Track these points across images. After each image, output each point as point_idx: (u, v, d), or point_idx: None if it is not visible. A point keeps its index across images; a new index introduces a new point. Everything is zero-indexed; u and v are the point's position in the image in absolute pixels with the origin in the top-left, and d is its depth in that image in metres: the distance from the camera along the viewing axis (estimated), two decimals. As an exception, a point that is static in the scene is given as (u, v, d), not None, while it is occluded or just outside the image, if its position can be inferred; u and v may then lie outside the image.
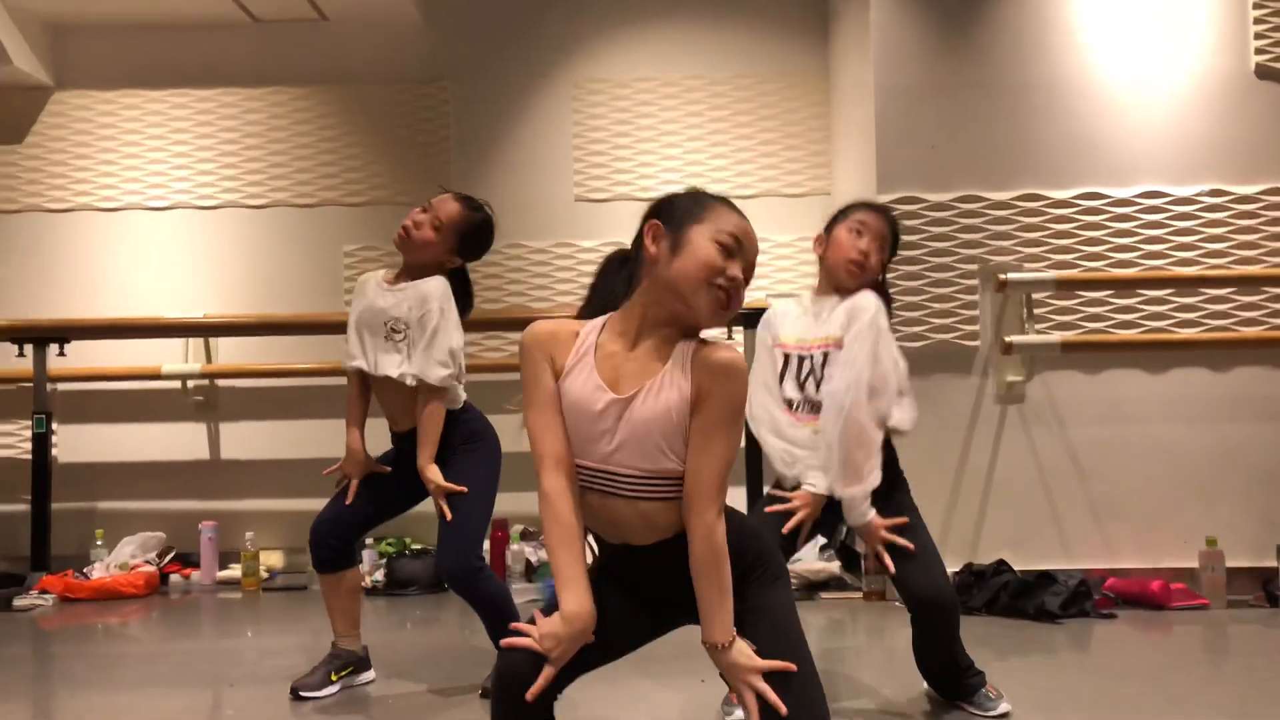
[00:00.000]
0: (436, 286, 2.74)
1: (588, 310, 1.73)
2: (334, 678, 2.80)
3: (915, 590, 2.41)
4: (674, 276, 1.60)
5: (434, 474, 2.68)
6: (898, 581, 2.45)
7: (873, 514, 2.42)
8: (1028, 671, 3.00)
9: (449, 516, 2.65)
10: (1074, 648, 3.34)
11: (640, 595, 1.68)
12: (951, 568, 3.79)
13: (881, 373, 2.43)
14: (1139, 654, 3.28)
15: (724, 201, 1.70)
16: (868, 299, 2.48)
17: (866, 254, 2.53)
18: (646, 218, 1.68)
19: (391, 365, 2.74)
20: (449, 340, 2.71)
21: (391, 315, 2.75)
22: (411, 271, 2.82)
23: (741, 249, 1.63)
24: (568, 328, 1.67)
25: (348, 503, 2.81)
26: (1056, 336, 4.06)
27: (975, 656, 2.59)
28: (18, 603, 4.23)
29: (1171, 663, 3.18)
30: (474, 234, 2.80)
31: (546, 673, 1.53)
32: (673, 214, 1.66)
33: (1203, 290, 4.12)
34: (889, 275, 2.71)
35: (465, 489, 2.66)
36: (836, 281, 2.56)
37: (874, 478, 2.42)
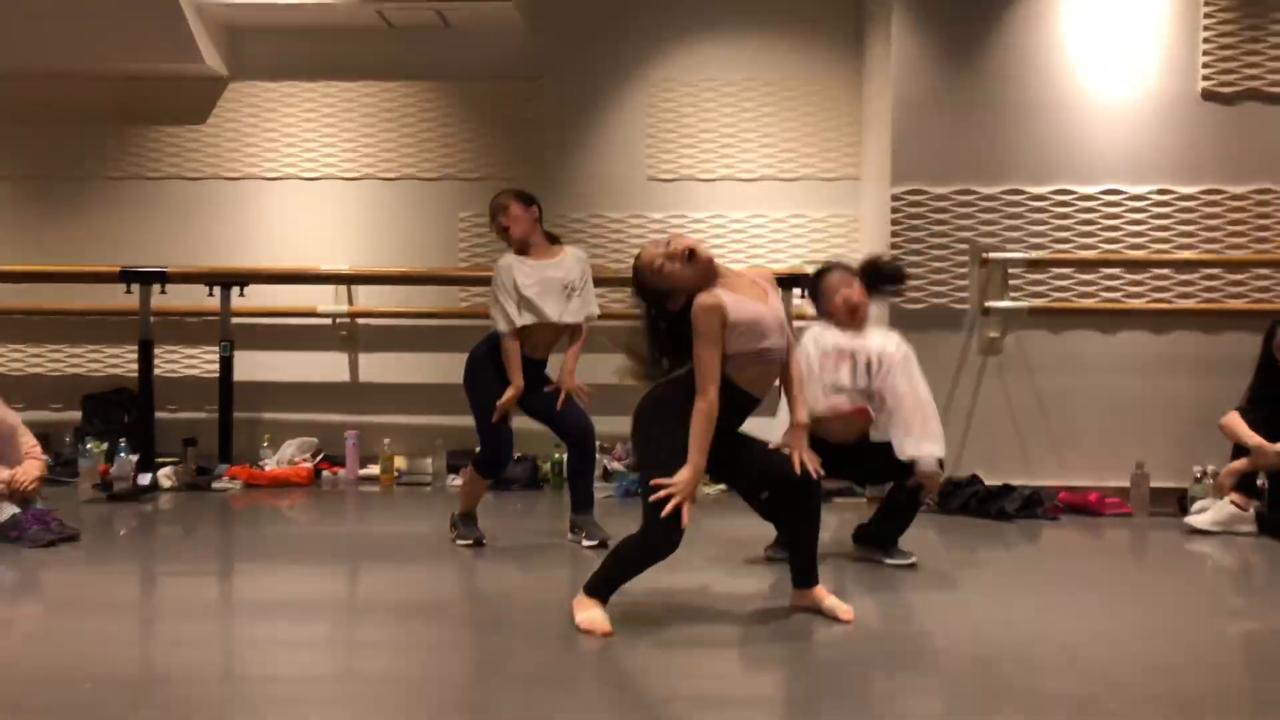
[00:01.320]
0: (577, 251, 4.04)
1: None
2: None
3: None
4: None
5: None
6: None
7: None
8: (989, 557, 4.05)
9: (587, 400, 3.98)
10: (1024, 541, 4.36)
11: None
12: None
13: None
14: (1072, 548, 4.31)
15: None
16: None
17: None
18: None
19: (573, 313, 3.95)
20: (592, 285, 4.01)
21: (567, 280, 3.92)
22: (539, 249, 3.96)
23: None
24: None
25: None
26: (1027, 303, 5.12)
27: (949, 545, 3.75)
28: (215, 485, 5.47)
29: (1096, 553, 4.25)
30: (538, 209, 4.02)
31: (687, 507, 2.69)
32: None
33: (1149, 270, 5.13)
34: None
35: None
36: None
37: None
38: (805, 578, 2.98)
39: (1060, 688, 2.34)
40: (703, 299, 2.75)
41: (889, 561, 3.71)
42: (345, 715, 1.99)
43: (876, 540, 3.79)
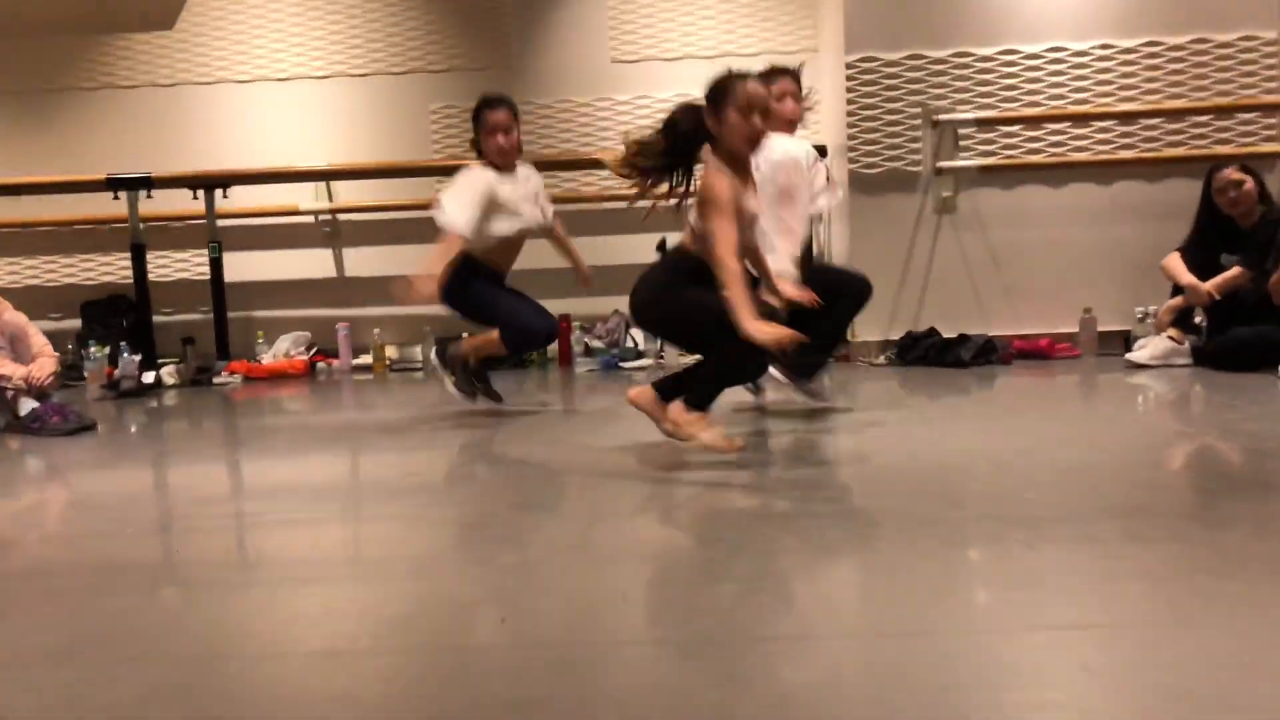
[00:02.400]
0: (526, 164, 4.10)
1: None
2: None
3: None
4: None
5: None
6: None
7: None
8: (943, 399, 4.35)
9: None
10: (978, 386, 4.61)
11: None
12: (895, 334, 5.23)
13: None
14: (1022, 388, 4.55)
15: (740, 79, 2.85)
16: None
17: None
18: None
19: (546, 215, 4.11)
20: None
21: (536, 190, 4.08)
22: (510, 166, 4.05)
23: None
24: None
25: None
26: (977, 161, 5.35)
27: (911, 394, 3.98)
28: (216, 380, 5.77)
29: (1042, 390, 4.55)
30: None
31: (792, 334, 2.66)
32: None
33: (1092, 123, 5.36)
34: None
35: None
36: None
37: None
38: (672, 394, 3.00)
39: (980, 488, 2.63)
40: (720, 178, 2.82)
41: (800, 393, 3.76)
42: (358, 587, 2.04)
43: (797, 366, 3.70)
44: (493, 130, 3.95)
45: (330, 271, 6.40)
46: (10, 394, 4.18)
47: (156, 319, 6.08)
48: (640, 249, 6.16)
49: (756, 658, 1.54)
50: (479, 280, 3.95)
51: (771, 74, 3.67)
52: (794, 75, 3.74)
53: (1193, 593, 1.76)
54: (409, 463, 3.44)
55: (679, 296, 2.95)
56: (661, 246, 5.92)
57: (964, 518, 2.32)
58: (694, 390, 2.96)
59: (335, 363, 6.08)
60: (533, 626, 1.73)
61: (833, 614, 1.75)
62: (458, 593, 1.96)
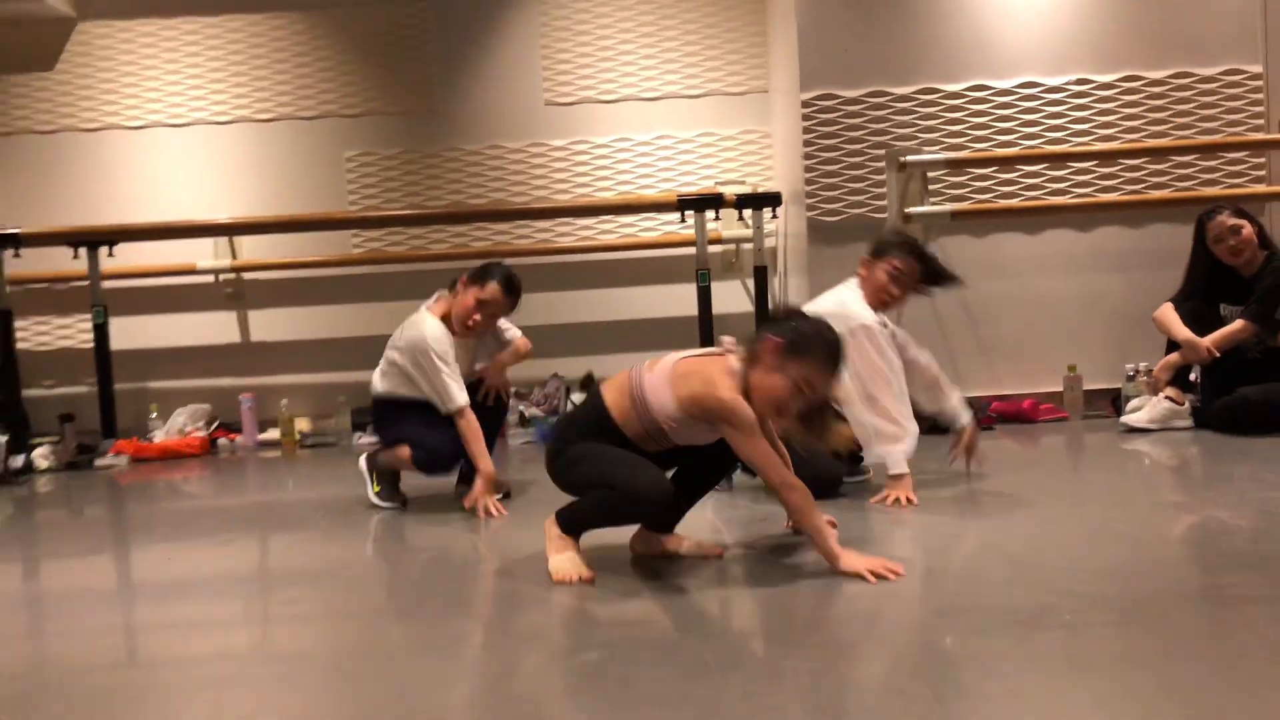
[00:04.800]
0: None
1: None
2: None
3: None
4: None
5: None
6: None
7: None
8: (924, 470, 3.84)
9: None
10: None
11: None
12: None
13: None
14: (1009, 457, 4.09)
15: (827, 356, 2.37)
16: None
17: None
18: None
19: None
20: None
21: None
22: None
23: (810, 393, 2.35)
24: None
25: None
26: (948, 207, 4.90)
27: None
28: (99, 463, 5.06)
29: (1033, 461, 4.08)
30: None
31: None
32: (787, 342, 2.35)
33: (1070, 164, 4.94)
34: None
35: None
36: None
37: None
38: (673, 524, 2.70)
39: (1009, 601, 2.13)
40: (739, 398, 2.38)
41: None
42: (264, 694, 1.86)
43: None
44: (495, 296, 3.46)
45: (233, 336, 5.76)
46: None
47: (32, 393, 5.39)
48: (580, 307, 5.69)
49: None
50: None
51: None
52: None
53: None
54: (318, 551, 3.14)
55: (593, 464, 2.48)
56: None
57: (989, 652, 1.75)
58: (570, 510, 2.53)
59: (238, 438, 5.44)
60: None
61: None
62: (369, 693, 1.84)
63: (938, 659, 1.86)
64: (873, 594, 2.25)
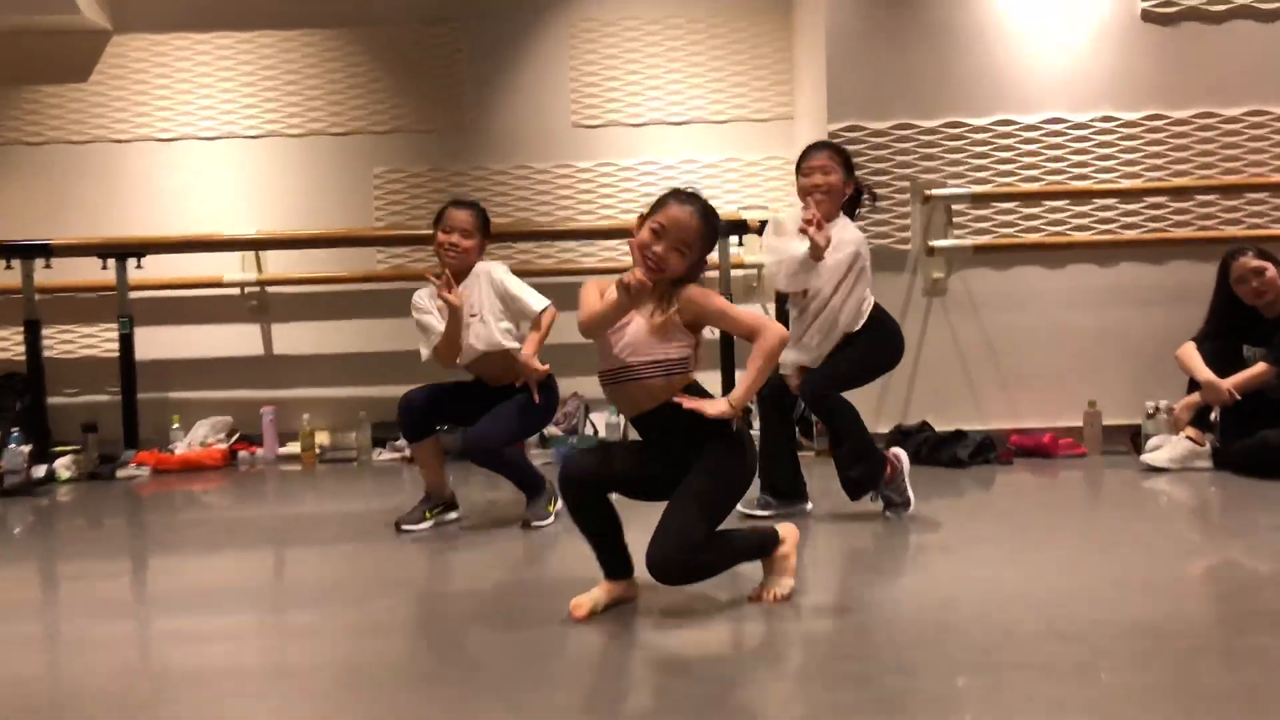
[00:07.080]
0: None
1: None
2: (428, 515, 3.55)
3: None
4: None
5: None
6: None
7: None
8: (944, 508, 3.80)
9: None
10: (979, 489, 4.14)
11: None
12: (884, 428, 4.75)
13: None
14: (1029, 494, 4.10)
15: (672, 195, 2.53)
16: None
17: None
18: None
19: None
20: None
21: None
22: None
23: (665, 232, 2.48)
24: None
25: None
26: (970, 240, 4.92)
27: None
28: (120, 474, 5.08)
29: (1053, 499, 4.06)
30: None
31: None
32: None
33: (1093, 200, 4.97)
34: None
35: None
36: None
37: None
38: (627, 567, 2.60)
39: (1044, 657, 2.13)
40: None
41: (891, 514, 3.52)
42: (278, 709, 1.88)
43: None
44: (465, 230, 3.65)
45: (256, 349, 5.79)
46: None
47: (55, 401, 5.43)
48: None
49: None
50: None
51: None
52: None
53: None
54: (334, 565, 3.14)
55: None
56: None
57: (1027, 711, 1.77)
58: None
59: (259, 451, 5.46)
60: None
61: None
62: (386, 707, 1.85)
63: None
64: (914, 645, 2.24)
